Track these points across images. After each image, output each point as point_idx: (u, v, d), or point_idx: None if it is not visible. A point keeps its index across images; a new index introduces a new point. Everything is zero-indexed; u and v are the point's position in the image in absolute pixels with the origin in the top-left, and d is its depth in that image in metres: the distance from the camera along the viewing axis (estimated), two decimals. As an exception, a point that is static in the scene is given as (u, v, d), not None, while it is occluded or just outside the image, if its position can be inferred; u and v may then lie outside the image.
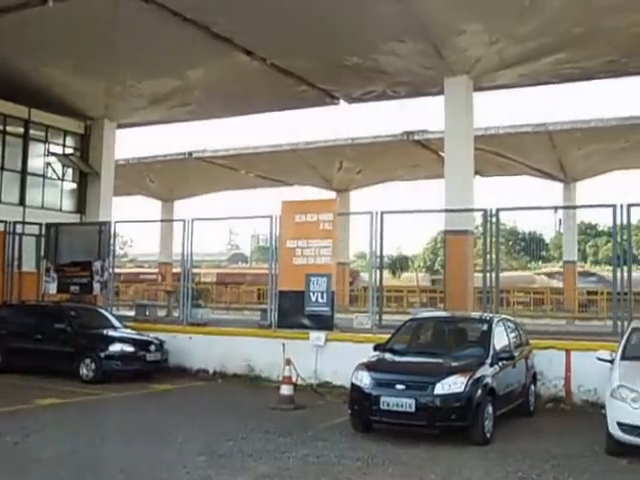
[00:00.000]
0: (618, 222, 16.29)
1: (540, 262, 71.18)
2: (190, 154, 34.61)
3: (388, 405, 11.01)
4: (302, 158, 33.59)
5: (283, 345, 15.99)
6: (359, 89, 22.62)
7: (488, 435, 11.18)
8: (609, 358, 11.91)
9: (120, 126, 26.20)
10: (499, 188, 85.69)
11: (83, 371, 16.75)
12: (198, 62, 20.16)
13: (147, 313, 21.83)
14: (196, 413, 13.66)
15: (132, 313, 22.53)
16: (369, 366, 11.82)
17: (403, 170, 36.26)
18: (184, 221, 20.29)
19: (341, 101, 23.88)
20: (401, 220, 21.17)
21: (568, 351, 14.99)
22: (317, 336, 16.67)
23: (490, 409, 11.33)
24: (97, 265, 21.32)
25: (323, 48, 18.79)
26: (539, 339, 15.52)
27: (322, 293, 17.05)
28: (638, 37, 17.77)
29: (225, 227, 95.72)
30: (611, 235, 18.04)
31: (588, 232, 73.05)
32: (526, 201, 71.02)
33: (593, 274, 46.48)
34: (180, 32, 17.60)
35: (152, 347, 17.58)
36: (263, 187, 42.65)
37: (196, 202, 45.73)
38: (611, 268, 16.95)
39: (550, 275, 49.28)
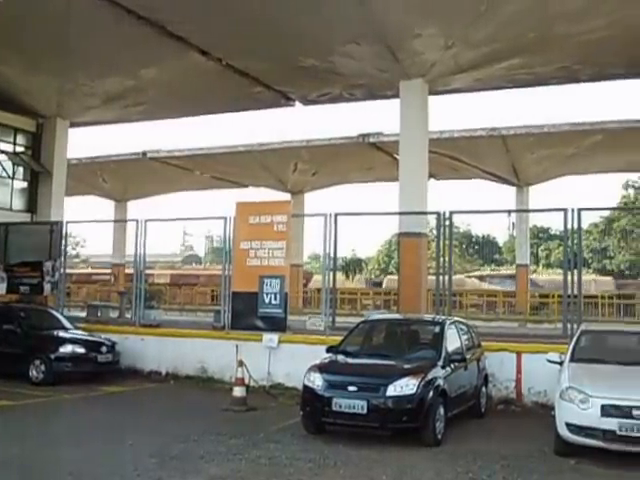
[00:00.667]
0: (569, 226, 16.52)
1: (493, 265, 71.85)
2: (144, 154, 34.31)
3: (340, 407, 11.03)
4: (257, 159, 33.48)
5: (236, 347, 15.94)
6: (315, 91, 22.60)
7: (439, 436, 11.26)
8: (559, 360, 12.13)
9: (73, 125, 25.82)
10: (453, 191, 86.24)
11: (33, 373, 16.46)
12: (152, 61, 19.95)
13: (99, 314, 21.61)
14: (148, 415, 13.58)
15: (84, 314, 22.26)
16: (321, 368, 11.83)
17: (358, 172, 36.33)
18: (137, 221, 20.14)
19: (297, 103, 23.84)
20: (355, 222, 21.17)
21: (519, 353, 15.15)
22: (270, 338, 16.63)
23: (442, 411, 11.41)
24: (48, 265, 21.03)
25: (279, 49, 18.73)
26: (491, 341, 15.63)
27: (275, 294, 17.02)
28: (590, 44, 18.01)
29: (179, 228, 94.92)
30: (562, 239, 18.22)
31: (540, 236, 73.87)
32: (480, 204, 71.99)
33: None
34: (134, 30, 17.38)
35: (104, 348, 17.37)
36: (218, 188, 42.45)
37: (150, 203, 45.53)
38: (562, 271, 17.08)
39: (481, 278, 49.84)
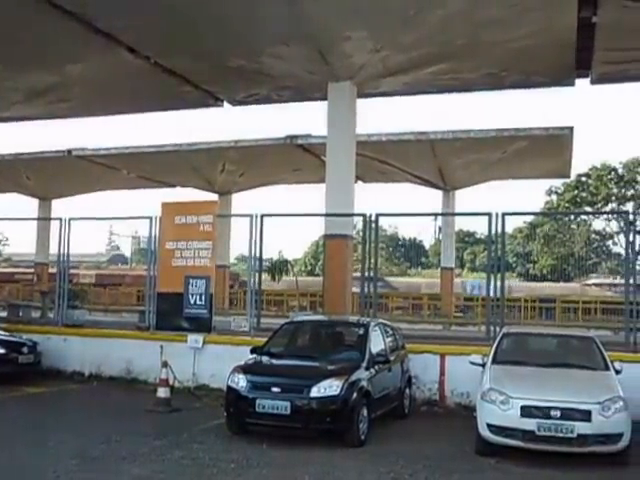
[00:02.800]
0: (493, 230, 16.79)
1: (420, 268, 72.72)
2: (69, 152, 33.62)
3: (264, 408, 11.07)
4: (185, 159, 33.09)
5: (161, 347, 15.87)
6: (243, 91, 22.46)
7: (363, 437, 11.38)
8: (481, 362, 12.37)
9: (-6, 120, 25.26)
10: (381, 194, 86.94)
11: (-51, 374, 16.02)
12: (78, 57, 19.48)
13: (20, 314, 21.23)
14: (69, 416, 13.40)
15: (4, 314, 21.80)
16: (245, 369, 11.88)
17: (286, 174, 36.23)
18: (60, 220, 19.84)
19: (225, 103, 23.69)
20: (282, 224, 21.20)
21: (443, 355, 15.37)
22: (195, 338, 16.54)
23: (365, 412, 11.52)
24: (-34, 264, 20.51)
25: (208, 49, 18.56)
26: (415, 343, 15.82)
27: (201, 295, 16.95)
28: (516, 52, 18.27)
29: (105, 228, 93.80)
30: (487, 243, 18.51)
31: (466, 240, 75.06)
32: (407, 208, 72.67)
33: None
34: (59, 25, 16.96)
35: (25, 349, 16.98)
36: (145, 188, 41.85)
37: (76, 202, 44.55)
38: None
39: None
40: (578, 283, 51.66)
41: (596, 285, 48.83)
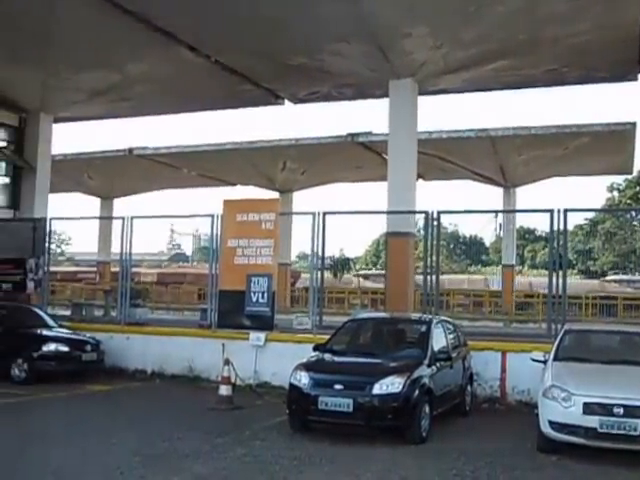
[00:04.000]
0: (555, 227, 16.61)
1: (480, 266, 72.15)
2: (131, 151, 34.11)
3: (326, 405, 11.05)
4: (245, 158, 33.38)
5: (223, 345, 15.87)
6: (304, 89, 22.54)
7: (424, 434, 11.31)
8: (542, 359, 12.30)
9: (57, 120, 25.53)
10: (442, 192, 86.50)
11: (15, 372, 16.30)
12: (139, 56, 19.73)
13: (84, 312, 21.52)
14: (132, 414, 13.50)
15: (68, 313, 22.14)
16: (308, 366, 11.87)
17: (347, 172, 36.30)
18: (123, 219, 20.06)
19: (286, 101, 23.78)
20: (344, 221, 21.24)
21: (504, 352, 15.26)
22: (257, 336, 16.62)
23: (427, 409, 11.46)
24: (31, 263, 20.86)
25: (269, 47, 18.65)
26: (476, 341, 15.71)
27: (263, 293, 16.99)
28: (578, 47, 18.09)
29: (166, 226, 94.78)
30: (548, 240, 18.28)
31: (527, 237, 74.27)
32: (468, 205, 72.20)
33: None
34: (120, 24, 17.17)
35: (88, 347, 17.24)
36: (206, 186, 42.23)
37: (137, 200, 45.24)
38: (547, 272, 17.18)
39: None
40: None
41: (615, 282, 47.89)
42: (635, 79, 20.74)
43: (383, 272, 29.42)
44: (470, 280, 46.74)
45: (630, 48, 17.99)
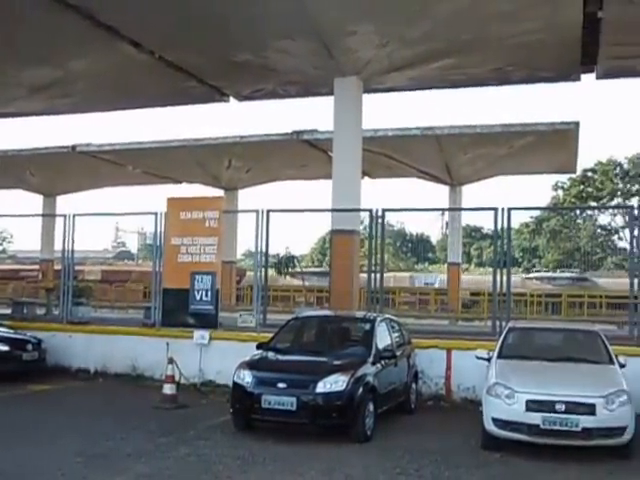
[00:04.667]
0: (499, 225, 16.77)
1: (427, 263, 72.69)
2: (74, 148, 33.58)
3: (270, 404, 11.04)
4: (191, 155, 33.05)
5: (167, 344, 15.80)
6: (249, 87, 22.41)
7: (369, 432, 11.36)
8: (487, 357, 12.44)
9: (-1, 116, 25.17)
10: (389, 190, 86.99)
11: (-48, 372, 15.92)
12: (82, 52, 19.36)
13: (25, 311, 21.14)
14: (74, 414, 13.30)
15: (9, 311, 21.76)
16: (251, 365, 11.87)
17: (292, 169, 36.20)
18: (65, 216, 19.84)
19: (231, 98, 23.61)
20: (289, 219, 21.17)
21: (449, 350, 15.37)
22: (201, 335, 16.50)
23: (371, 407, 11.51)
24: (-31, 261, 20.43)
25: (213, 43, 18.50)
26: (422, 338, 15.81)
27: (207, 291, 16.93)
28: (523, 47, 18.22)
29: (111, 224, 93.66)
30: (493, 238, 18.46)
31: (473, 235, 75.00)
32: (414, 203, 72.68)
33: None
34: (63, 19, 16.80)
35: (29, 346, 16.91)
36: (151, 184, 41.72)
37: (81, 198, 44.61)
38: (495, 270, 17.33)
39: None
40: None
41: (537, 279, 48.62)
42: (578, 79, 21.01)
43: (327, 270, 29.46)
44: (396, 278, 46.45)
45: (573, 48, 18.20)
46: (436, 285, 42.88)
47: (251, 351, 12.91)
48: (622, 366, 11.73)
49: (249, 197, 40.54)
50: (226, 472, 9.33)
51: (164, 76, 20.77)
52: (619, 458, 10.37)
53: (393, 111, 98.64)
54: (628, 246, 18.27)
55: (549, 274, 52.19)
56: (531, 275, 52.29)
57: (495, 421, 10.59)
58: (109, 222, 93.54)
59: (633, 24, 16.60)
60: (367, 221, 18.68)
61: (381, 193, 42.12)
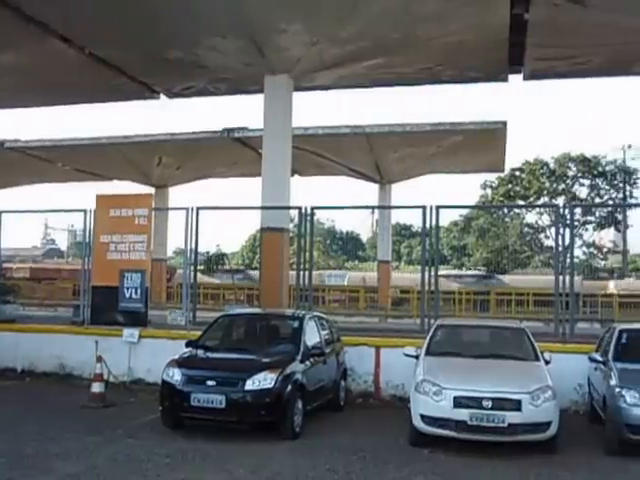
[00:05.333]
0: (427, 223, 16.99)
1: (357, 261, 73.02)
2: (2, 144, 32.93)
3: (199, 401, 11.05)
4: (121, 152, 32.71)
5: (96, 342, 15.64)
6: (179, 84, 22.32)
7: (298, 430, 11.43)
8: (414, 354, 12.51)
9: None
10: (320, 188, 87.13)
11: None
12: (9, 46, 18.99)
13: (-51, 309, 20.68)
14: (0, 414, 13.04)
15: None
16: (180, 362, 11.86)
17: (223, 167, 36.12)
18: (-9, 213, 19.43)
19: (162, 95, 23.46)
20: (220, 217, 21.16)
21: (378, 348, 15.47)
22: (130, 333, 16.37)
23: (300, 404, 11.58)
24: None
25: (143, 40, 18.37)
26: (351, 336, 15.92)
27: (136, 289, 16.81)
28: (451, 47, 18.51)
29: (40, 221, 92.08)
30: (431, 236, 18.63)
31: (403, 233, 75.60)
32: (346, 201, 72.87)
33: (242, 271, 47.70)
34: (-11, 13, 16.62)
35: (-48, 345, 16.61)
36: (82, 181, 41.18)
37: (9, 195, 43.65)
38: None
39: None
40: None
41: (444, 277, 49.52)
42: (506, 79, 21.41)
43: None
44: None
45: (500, 49, 18.57)
46: (345, 283, 43.16)
47: (181, 349, 12.86)
48: (547, 362, 11.97)
49: (181, 194, 40.33)
50: (155, 470, 9.31)
51: (94, 72, 20.54)
52: (544, 453, 10.57)
53: (324, 110, 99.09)
54: (554, 244, 18.61)
55: (455, 272, 53.04)
56: (441, 272, 53.02)
57: (423, 418, 10.71)
58: (38, 219, 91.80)
59: (558, 27, 17.04)
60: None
61: (312, 191, 42.13)
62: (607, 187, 60.32)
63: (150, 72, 21.19)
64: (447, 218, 65.38)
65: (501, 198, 60.60)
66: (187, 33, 17.98)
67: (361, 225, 73.27)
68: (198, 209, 17.72)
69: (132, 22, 17.19)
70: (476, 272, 49.38)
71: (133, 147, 32.16)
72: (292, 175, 21.03)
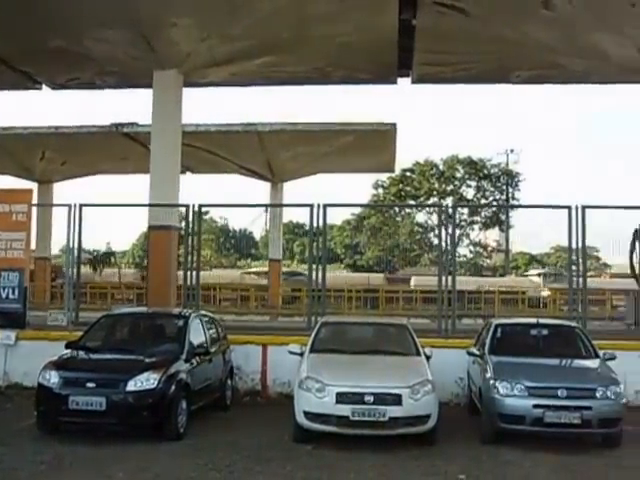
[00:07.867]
0: (315, 222, 17.04)
1: (250, 260, 72.83)
2: None
3: (77, 404, 10.69)
4: (0, 145, 31.53)
5: (-32, 345, 14.96)
6: (64, 75, 21.54)
7: (182, 430, 11.26)
8: (299, 351, 12.54)
9: None
10: (213, 185, 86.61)
11: None
12: None
13: None
14: None
15: None
16: (58, 365, 11.47)
17: (112, 163, 35.19)
18: None
19: (44, 86, 22.65)
20: (107, 215, 20.64)
21: (265, 345, 15.43)
22: (7, 335, 15.71)
23: (184, 404, 11.40)
24: None
25: (24, 28, 17.61)
26: (238, 334, 15.78)
27: (13, 289, 16.06)
28: (342, 47, 18.62)
29: None
30: (315, 234, 18.67)
31: (296, 232, 75.79)
32: (239, 199, 72.50)
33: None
34: None
35: None
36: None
37: None
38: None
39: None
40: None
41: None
42: (395, 82, 21.69)
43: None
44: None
45: (389, 53, 18.81)
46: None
47: (61, 351, 12.43)
48: (428, 357, 12.24)
49: (69, 191, 39.04)
50: (30, 479, 8.99)
51: (-29, 60, 19.64)
52: (424, 444, 10.87)
53: (218, 108, 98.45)
54: (442, 243, 18.97)
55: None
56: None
57: (306, 414, 10.78)
58: None
59: (443, 34, 17.53)
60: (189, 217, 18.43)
61: (205, 189, 41.74)
62: (492, 189, 62.12)
63: (31, 61, 20.34)
64: (340, 217, 66.01)
65: (392, 198, 61.52)
66: (70, 22, 17.39)
67: (254, 223, 73.09)
68: (81, 206, 17.23)
69: (7, 7, 16.47)
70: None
71: (13, 140, 30.91)
72: (183, 172, 20.71)
